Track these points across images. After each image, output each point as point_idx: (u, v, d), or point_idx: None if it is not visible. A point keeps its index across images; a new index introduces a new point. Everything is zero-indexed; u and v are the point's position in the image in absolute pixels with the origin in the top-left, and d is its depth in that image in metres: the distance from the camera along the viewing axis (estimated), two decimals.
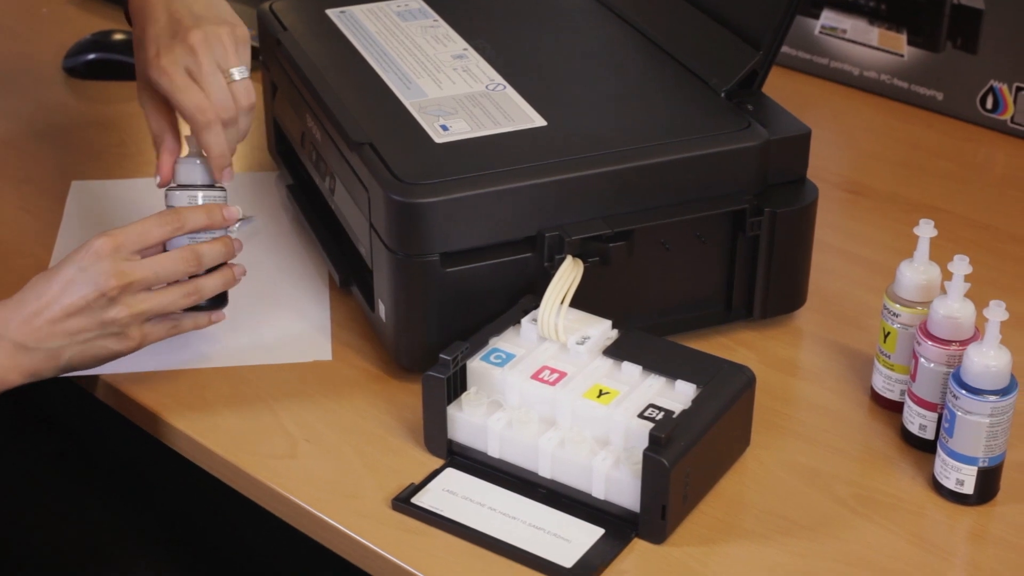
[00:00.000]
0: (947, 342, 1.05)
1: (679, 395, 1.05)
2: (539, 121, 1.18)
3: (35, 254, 1.33)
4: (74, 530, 1.24)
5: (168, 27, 1.13)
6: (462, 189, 1.10)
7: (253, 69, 1.16)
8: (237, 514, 1.20)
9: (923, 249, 1.09)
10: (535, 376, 1.06)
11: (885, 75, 1.61)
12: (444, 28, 1.35)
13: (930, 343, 1.06)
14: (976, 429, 1.01)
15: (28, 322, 1.07)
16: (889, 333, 1.11)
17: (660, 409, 1.03)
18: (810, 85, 1.66)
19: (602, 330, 1.10)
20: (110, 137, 1.54)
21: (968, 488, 1.04)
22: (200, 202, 1.14)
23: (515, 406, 1.06)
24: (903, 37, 1.59)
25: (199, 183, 1.15)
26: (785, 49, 1.66)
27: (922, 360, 1.06)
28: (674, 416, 1.01)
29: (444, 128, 1.17)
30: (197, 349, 1.20)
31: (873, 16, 1.60)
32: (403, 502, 1.04)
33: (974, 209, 1.42)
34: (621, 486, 1.01)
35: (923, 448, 1.09)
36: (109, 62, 1.65)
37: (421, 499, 1.04)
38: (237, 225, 1.15)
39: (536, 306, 1.10)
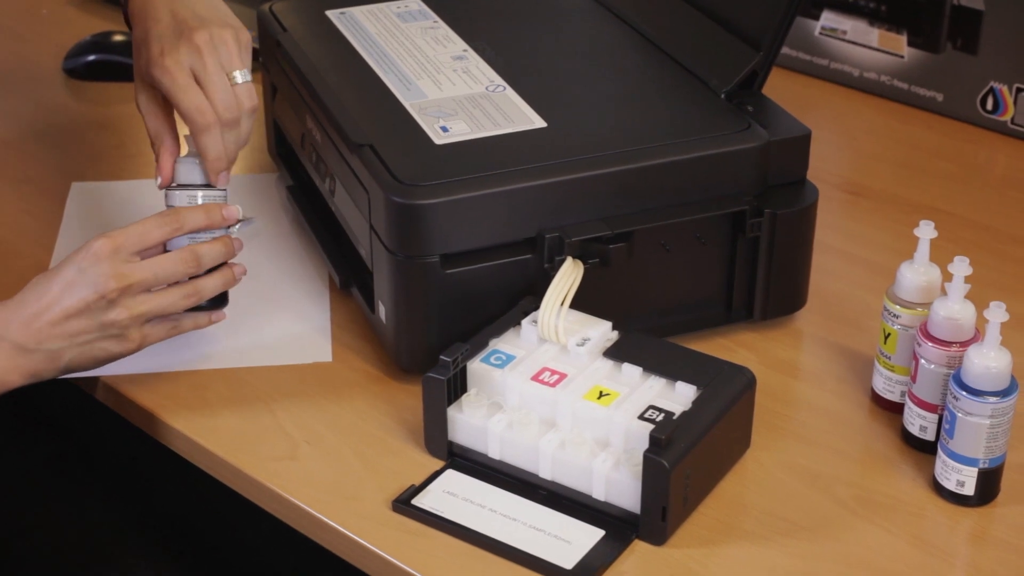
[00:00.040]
0: (947, 343, 1.05)
1: (679, 396, 1.04)
2: (539, 122, 1.18)
3: (35, 255, 1.33)
4: (74, 530, 1.24)
5: (172, 27, 1.13)
6: (462, 190, 1.10)
7: (253, 71, 1.16)
8: (237, 515, 1.20)
9: (923, 250, 1.09)
10: (535, 378, 1.06)
11: (885, 76, 1.61)
12: (444, 29, 1.35)
13: (930, 344, 1.05)
14: (976, 430, 1.01)
15: (28, 324, 1.07)
16: (889, 334, 1.11)
17: (660, 411, 1.02)
18: (810, 86, 1.66)
19: (602, 331, 1.09)
20: (110, 138, 1.54)
21: (968, 489, 1.04)
22: (200, 202, 1.14)
23: (515, 408, 1.06)
24: (903, 38, 1.59)
25: (199, 183, 1.14)
26: (785, 50, 1.66)
27: (922, 361, 1.06)
28: (674, 418, 1.01)
29: (444, 129, 1.17)
30: (197, 350, 1.20)
31: (873, 17, 1.60)
32: (403, 503, 1.04)
33: (974, 210, 1.42)
34: (621, 487, 1.01)
35: (923, 449, 1.09)
36: (109, 63, 1.65)
37: (421, 501, 1.04)
38: (237, 226, 1.14)
39: (536, 307, 1.10)
